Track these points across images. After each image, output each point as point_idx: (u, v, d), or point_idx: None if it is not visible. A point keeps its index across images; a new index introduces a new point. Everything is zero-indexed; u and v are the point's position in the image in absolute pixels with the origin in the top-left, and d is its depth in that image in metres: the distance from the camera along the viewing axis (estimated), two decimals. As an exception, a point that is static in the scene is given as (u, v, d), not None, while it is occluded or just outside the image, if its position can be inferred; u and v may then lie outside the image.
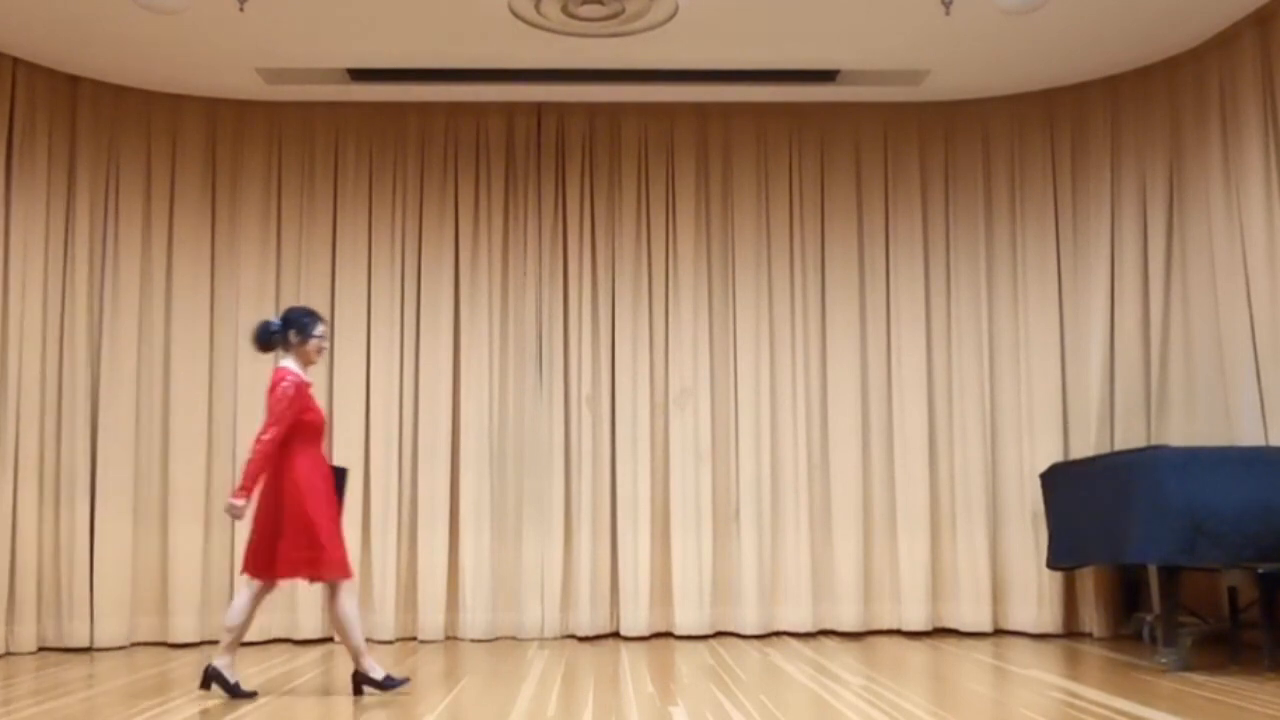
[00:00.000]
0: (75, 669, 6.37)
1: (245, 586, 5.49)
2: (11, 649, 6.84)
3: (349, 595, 5.50)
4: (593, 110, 7.97)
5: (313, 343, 5.51)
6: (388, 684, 5.40)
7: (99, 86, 7.49)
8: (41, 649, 7.03)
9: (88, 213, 7.44)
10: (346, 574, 5.48)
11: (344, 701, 5.36)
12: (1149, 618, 6.61)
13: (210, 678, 5.35)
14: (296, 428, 5.34)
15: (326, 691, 5.66)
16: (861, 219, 8.02)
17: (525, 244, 7.91)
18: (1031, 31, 6.79)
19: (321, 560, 5.31)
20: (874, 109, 8.00)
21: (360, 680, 5.42)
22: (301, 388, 5.40)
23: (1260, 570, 5.70)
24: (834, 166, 8.04)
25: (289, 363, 5.47)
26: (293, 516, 5.28)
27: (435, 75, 7.42)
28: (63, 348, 7.31)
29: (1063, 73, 7.56)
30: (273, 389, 5.37)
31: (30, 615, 6.96)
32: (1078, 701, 5.03)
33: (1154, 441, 7.17)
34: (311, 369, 5.56)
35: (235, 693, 5.33)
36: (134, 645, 7.33)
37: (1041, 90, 7.79)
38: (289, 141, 7.89)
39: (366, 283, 7.83)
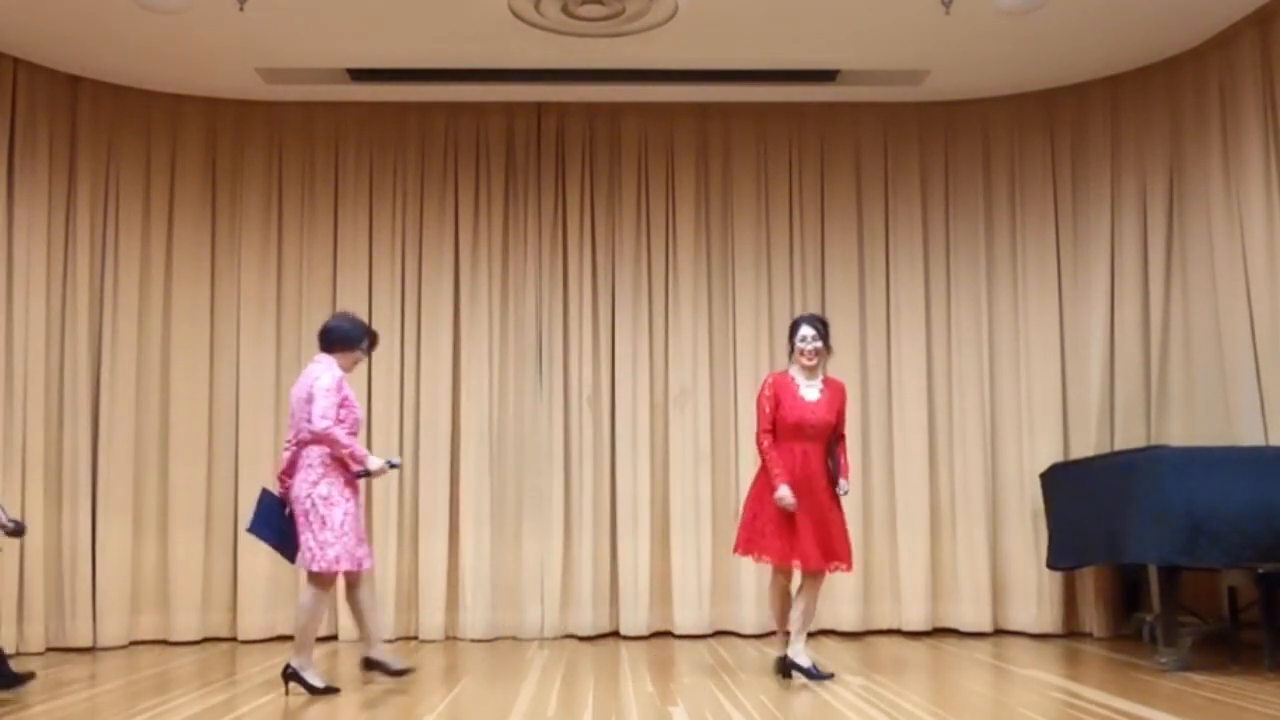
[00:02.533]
0: (79, 668, 6.37)
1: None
2: (21, 649, 6.83)
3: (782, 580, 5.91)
4: (593, 110, 7.97)
5: (796, 347, 5.92)
6: (814, 674, 5.70)
7: (99, 86, 7.49)
8: (47, 649, 7.02)
9: (88, 213, 7.43)
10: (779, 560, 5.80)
11: (345, 700, 5.36)
12: (1149, 618, 6.61)
13: (790, 667, 5.73)
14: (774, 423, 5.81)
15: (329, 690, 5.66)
16: (861, 219, 8.02)
17: (525, 244, 7.91)
18: (1031, 31, 6.79)
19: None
20: (874, 109, 8.00)
21: (789, 665, 5.75)
22: (774, 387, 5.88)
23: (1260, 570, 5.70)
24: (834, 166, 8.04)
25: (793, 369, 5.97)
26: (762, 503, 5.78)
27: (435, 75, 7.42)
28: (64, 348, 7.30)
29: (1063, 73, 7.56)
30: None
31: (38, 615, 6.97)
32: (1078, 701, 5.03)
33: (1154, 441, 7.17)
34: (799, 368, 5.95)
35: (814, 674, 5.69)
36: (134, 644, 7.33)
37: (1041, 90, 7.79)
38: (289, 141, 7.89)
39: (367, 282, 7.83)
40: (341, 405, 5.56)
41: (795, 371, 5.89)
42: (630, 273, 7.92)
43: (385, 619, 7.50)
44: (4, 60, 7.01)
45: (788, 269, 7.95)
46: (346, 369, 5.70)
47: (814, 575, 5.79)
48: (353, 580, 5.68)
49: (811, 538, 5.68)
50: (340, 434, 5.49)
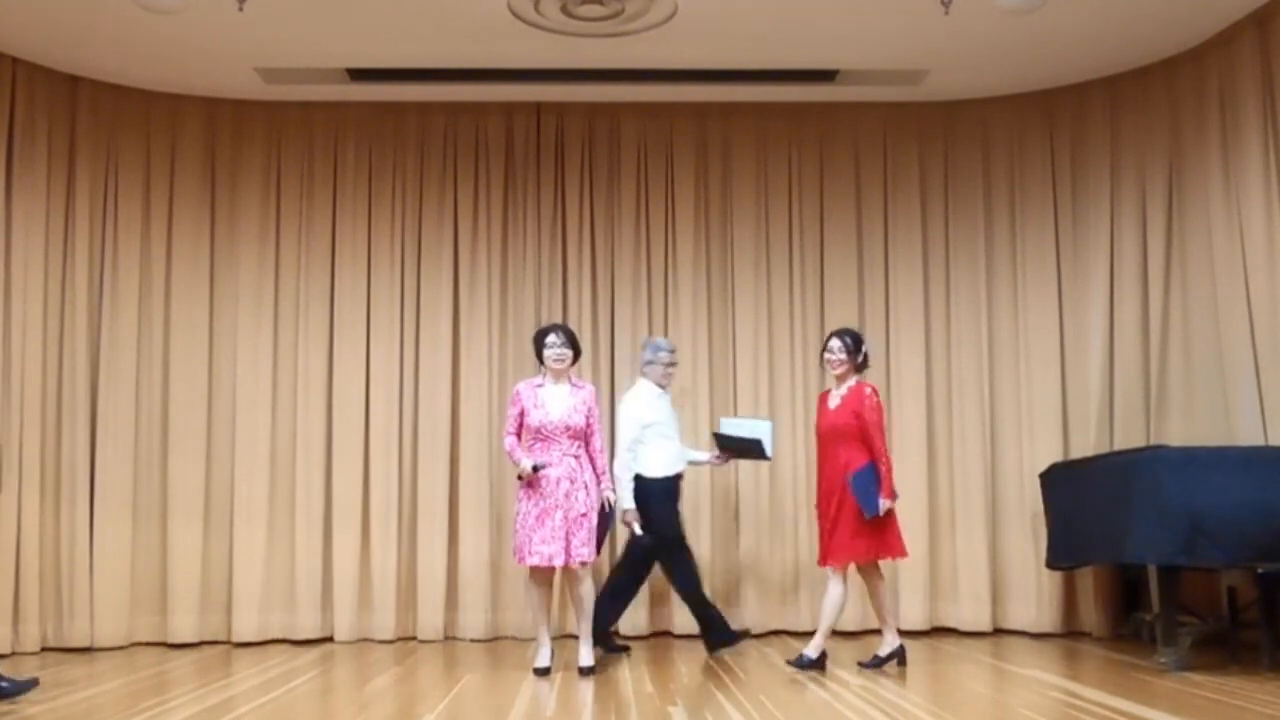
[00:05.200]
0: (76, 669, 6.37)
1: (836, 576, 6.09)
2: (16, 649, 6.83)
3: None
4: (592, 110, 7.97)
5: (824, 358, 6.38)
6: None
7: (99, 86, 7.49)
8: (43, 649, 7.03)
9: (88, 213, 7.43)
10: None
11: (344, 701, 5.36)
12: (1148, 618, 6.61)
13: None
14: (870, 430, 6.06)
15: (326, 691, 5.66)
16: (860, 219, 8.02)
17: (525, 244, 7.91)
18: (1031, 31, 6.79)
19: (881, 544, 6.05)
20: (873, 109, 8.00)
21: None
22: (819, 401, 6.44)
23: (1260, 570, 5.70)
24: (833, 166, 8.04)
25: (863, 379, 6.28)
26: (851, 508, 6.01)
27: (435, 75, 7.42)
28: (63, 347, 7.30)
29: (1063, 73, 7.56)
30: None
31: (34, 615, 6.96)
32: (1077, 701, 5.03)
33: (1154, 441, 7.17)
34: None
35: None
36: (133, 645, 7.33)
37: (1041, 90, 7.79)
38: (288, 141, 7.88)
39: (366, 283, 7.83)
40: (522, 414, 6.10)
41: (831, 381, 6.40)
42: (629, 272, 7.92)
43: (386, 619, 7.52)
44: (4, 60, 7.01)
45: (787, 269, 7.95)
46: (555, 378, 6.17)
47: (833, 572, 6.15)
48: (567, 576, 6.11)
49: (824, 537, 6.15)
50: (506, 444, 6.14)
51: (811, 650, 6.05)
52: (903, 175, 8.02)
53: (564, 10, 6.54)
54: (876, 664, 6.13)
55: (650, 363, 6.90)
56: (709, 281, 7.95)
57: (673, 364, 6.99)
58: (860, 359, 6.21)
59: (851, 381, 6.18)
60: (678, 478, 6.75)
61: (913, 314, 7.89)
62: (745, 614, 7.60)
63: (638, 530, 6.61)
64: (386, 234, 7.87)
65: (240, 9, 6.08)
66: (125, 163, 7.61)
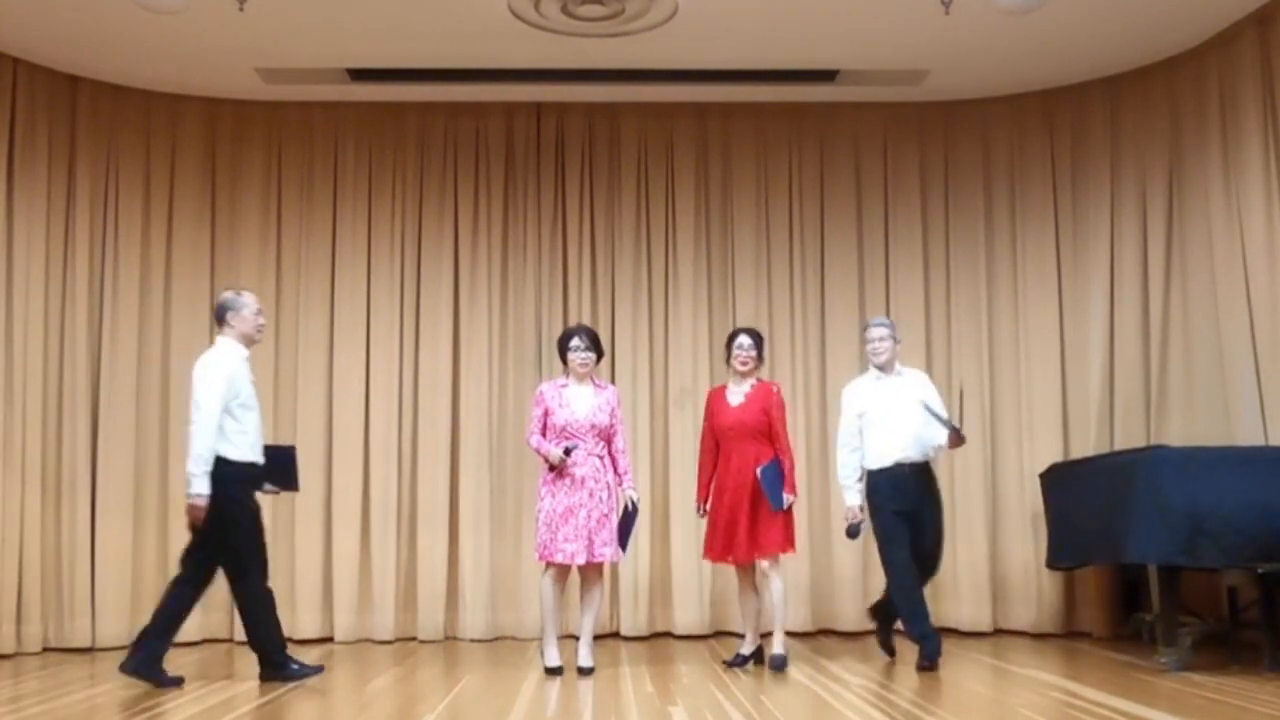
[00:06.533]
0: (77, 669, 6.37)
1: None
2: (19, 649, 6.84)
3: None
4: (592, 110, 7.98)
5: (733, 354, 6.38)
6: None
7: (99, 86, 7.49)
8: (45, 649, 7.03)
9: (88, 213, 7.44)
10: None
11: (343, 701, 5.36)
12: (1148, 618, 6.61)
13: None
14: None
15: (326, 691, 5.66)
16: (861, 219, 8.02)
17: (525, 244, 7.92)
18: (1031, 31, 6.79)
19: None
20: (874, 109, 8.00)
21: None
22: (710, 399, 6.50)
23: (1260, 570, 5.69)
24: (833, 166, 8.04)
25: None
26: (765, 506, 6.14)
27: (435, 75, 7.43)
28: (63, 347, 7.30)
29: (1063, 73, 7.56)
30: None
31: (35, 615, 6.97)
32: (1077, 701, 5.03)
33: (1154, 441, 7.17)
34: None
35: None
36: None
37: (1041, 90, 7.79)
38: (288, 141, 7.88)
39: (366, 283, 7.83)
40: (546, 414, 6.09)
41: (730, 379, 6.42)
42: (630, 272, 7.93)
43: (386, 619, 7.52)
44: (4, 60, 7.01)
45: (787, 269, 7.95)
46: (578, 379, 6.14)
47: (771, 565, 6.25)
48: (585, 574, 6.08)
49: (743, 534, 6.15)
50: (532, 442, 6.10)
51: (779, 647, 6.14)
52: (903, 175, 8.02)
53: (564, 10, 6.54)
54: (740, 662, 6.24)
55: (866, 342, 6.47)
56: (709, 281, 7.95)
57: (871, 340, 6.31)
58: (760, 358, 6.38)
59: (753, 379, 6.31)
60: (890, 469, 6.13)
61: (913, 314, 7.89)
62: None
63: (859, 526, 6.22)
64: (386, 234, 7.88)
65: (240, 9, 6.08)
66: (125, 163, 7.61)
